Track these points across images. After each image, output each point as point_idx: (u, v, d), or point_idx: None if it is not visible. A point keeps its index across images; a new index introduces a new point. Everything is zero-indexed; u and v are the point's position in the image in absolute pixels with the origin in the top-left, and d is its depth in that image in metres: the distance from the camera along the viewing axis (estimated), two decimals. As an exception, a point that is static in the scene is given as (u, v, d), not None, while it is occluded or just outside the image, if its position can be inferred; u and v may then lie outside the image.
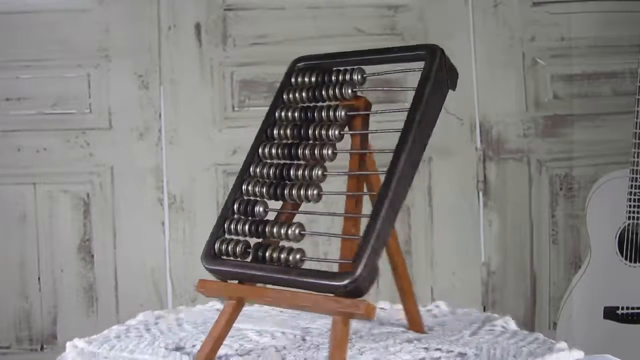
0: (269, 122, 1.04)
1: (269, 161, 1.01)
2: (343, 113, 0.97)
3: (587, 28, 2.41)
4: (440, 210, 2.40)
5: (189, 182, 2.35)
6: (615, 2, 2.41)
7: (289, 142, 1.00)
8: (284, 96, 1.04)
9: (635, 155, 2.07)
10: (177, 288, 2.34)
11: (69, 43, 2.31)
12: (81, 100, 2.33)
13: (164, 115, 2.34)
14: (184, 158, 2.35)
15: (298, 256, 0.93)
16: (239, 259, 0.98)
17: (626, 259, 2.13)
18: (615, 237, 2.14)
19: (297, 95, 1.03)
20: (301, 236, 0.95)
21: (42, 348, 2.35)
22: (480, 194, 2.41)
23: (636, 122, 2.07)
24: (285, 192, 0.96)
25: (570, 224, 2.44)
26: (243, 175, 1.02)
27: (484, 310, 2.39)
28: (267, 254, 0.95)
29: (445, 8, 2.39)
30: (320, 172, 0.96)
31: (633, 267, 2.13)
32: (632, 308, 2.13)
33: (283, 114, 1.03)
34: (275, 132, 1.02)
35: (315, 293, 0.89)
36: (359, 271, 0.85)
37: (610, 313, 2.13)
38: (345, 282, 0.86)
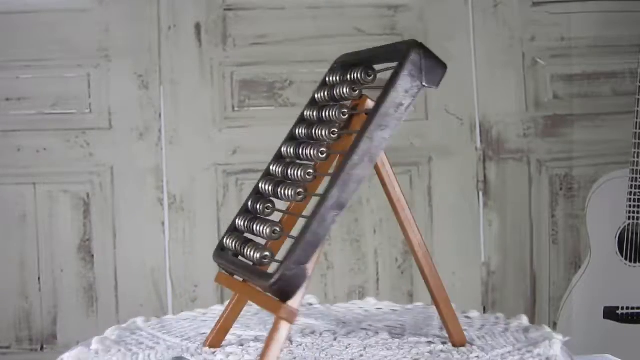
0: (298, 120, 1.04)
1: (286, 160, 1.02)
2: (339, 113, 0.97)
3: (587, 28, 2.41)
4: (440, 210, 2.40)
5: (189, 182, 2.35)
6: (615, 2, 2.41)
7: (301, 141, 1.01)
8: (316, 95, 1.04)
9: (635, 155, 2.07)
10: (177, 288, 2.34)
11: (69, 43, 2.31)
12: (81, 100, 2.33)
13: (164, 115, 2.34)
14: (184, 158, 2.35)
15: (260, 255, 0.93)
16: (233, 253, 0.99)
17: (626, 259, 2.13)
18: (615, 237, 2.14)
19: (321, 94, 1.03)
20: (274, 234, 0.94)
21: (42, 348, 2.35)
22: (480, 194, 2.41)
23: (636, 122, 2.07)
24: (279, 190, 0.96)
25: (570, 224, 2.44)
26: (265, 173, 1.03)
27: (484, 310, 2.40)
28: (245, 251, 0.95)
29: (445, 8, 2.39)
30: (302, 172, 0.95)
31: (633, 267, 2.13)
32: (632, 308, 2.13)
33: (307, 112, 1.03)
34: (297, 130, 1.02)
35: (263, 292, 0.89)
36: (279, 273, 0.84)
37: (610, 313, 2.13)
38: (270, 282, 0.85)
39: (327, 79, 1.04)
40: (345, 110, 0.97)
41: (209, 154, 2.36)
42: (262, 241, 0.98)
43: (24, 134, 2.33)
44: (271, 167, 1.02)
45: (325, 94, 1.02)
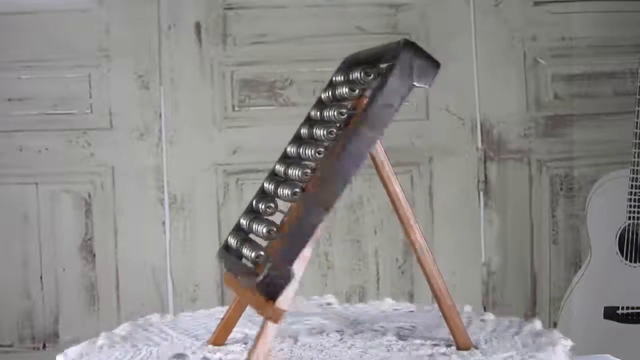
0: (304, 120, 1.05)
1: (290, 159, 1.02)
2: (337, 113, 0.97)
3: (587, 28, 2.41)
4: (441, 210, 2.40)
5: (189, 182, 2.35)
6: (615, 2, 2.41)
7: (304, 141, 1.01)
8: (322, 95, 1.04)
9: (635, 155, 2.07)
10: (177, 287, 2.34)
11: (69, 43, 2.31)
12: (82, 101, 2.34)
13: (164, 115, 2.34)
14: (184, 158, 2.35)
15: (255, 254, 0.93)
16: (236, 253, 1.00)
17: (626, 259, 2.14)
18: (615, 237, 2.14)
19: (327, 94, 1.04)
20: (270, 234, 0.93)
21: (44, 346, 2.35)
22: (481, 193, 2.42)
23: (636, 122, 2.07)
24: (278, 190, 0.97)
25: (570, 224, 2.44)
26: (270, 172, 1.03)
27: (484, 310, 2.40)
28: (243, 250, 0.96)
29: (447, 7, 2.39)
30: (300, 172, 0.95)
31: (633, 267, 2.13)
32: (632, 308, 2.13)
33: (313, 112, 1.03)
34: (302, 130, 1.03)
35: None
36: (265, 272, 0.86)
37: (610, 313, 2.14)
38: (256, 281, 0.86)
39: (333, 78, 1.05)
40: (344, 111, 0.97)
41: (209, 154, 2.36)
42: (262, 241, 0.98)
43: (25, 134, 2.33)
44: (276, 167, 1.02)
45: (330, 93, 1.02)
